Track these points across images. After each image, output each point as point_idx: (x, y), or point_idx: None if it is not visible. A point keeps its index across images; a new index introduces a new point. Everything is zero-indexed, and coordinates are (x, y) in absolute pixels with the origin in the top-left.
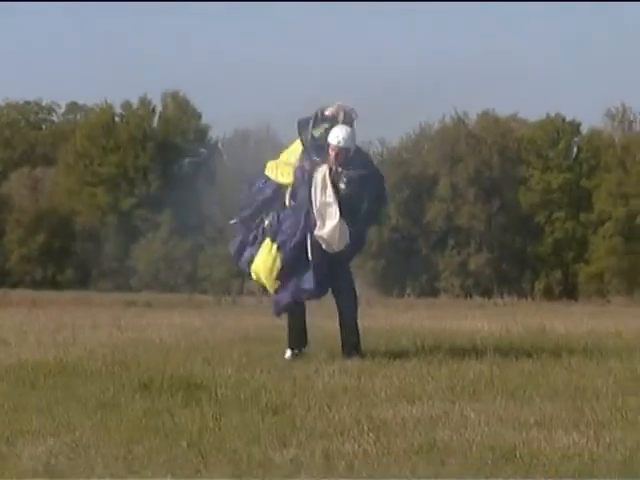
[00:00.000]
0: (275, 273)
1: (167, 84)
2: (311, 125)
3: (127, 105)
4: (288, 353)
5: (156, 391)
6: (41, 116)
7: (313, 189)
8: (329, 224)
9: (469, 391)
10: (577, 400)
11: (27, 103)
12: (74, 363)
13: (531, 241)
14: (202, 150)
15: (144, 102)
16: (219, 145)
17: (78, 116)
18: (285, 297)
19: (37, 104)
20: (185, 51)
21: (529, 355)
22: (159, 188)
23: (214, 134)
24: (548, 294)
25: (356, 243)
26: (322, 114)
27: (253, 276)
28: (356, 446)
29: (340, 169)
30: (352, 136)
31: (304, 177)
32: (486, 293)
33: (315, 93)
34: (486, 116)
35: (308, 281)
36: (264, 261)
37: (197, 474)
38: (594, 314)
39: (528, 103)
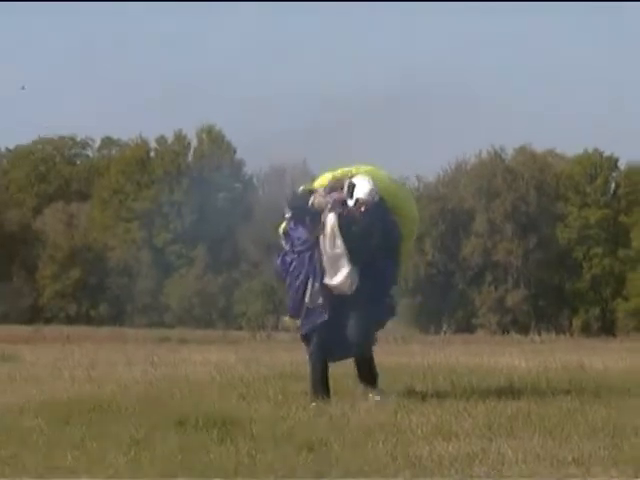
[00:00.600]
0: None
1: (202, 118)
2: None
3: (162, 140)
4: (313, 405)
5: (191, 428)
6: (75, 151)
7: (321, 238)
8: (340, 273)
9: (506, 428)
10: (616, 438)
11: (62, 138)
12: (108, 400)
13: (569, 277)
14: (237, 185)
15: (179, 137)
16: (254, 180)
17: (113, 151)
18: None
19: (72, 139)
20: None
21: (567, 392)
22: (193, 223)
23: (249, 169)
24: (586, 330)
25: (377, 279)
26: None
27: None
28: None
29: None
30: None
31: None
32: (523, 329)
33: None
34: (523, 151)
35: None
36: None
37: None
38: (633, 350)
39: (565, 138)
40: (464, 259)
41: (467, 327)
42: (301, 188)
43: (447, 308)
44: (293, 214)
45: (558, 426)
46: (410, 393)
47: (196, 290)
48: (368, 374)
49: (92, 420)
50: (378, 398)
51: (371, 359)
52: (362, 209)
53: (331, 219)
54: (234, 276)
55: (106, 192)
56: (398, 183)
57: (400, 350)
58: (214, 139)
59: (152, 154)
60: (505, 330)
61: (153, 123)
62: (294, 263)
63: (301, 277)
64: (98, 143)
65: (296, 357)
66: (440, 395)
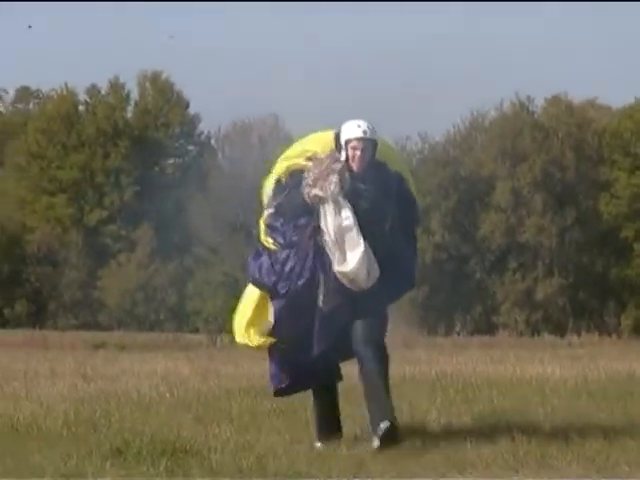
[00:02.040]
0: (262, 327)
1: (145, 64)
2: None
3: (94, 90)
4: (318, 446)
5: (132, 458)
6: None
7: (322, 212)
8: (353, 255)
9: (536, 456)
10: None
11: None
12: (27, 422)
13: (616, 263)
14: (190, 148)
15: (115, 87)
16: (212, 142)
17: (31, 105)
18: (284, 371)
19: None
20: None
21: (613, 410)
22: (135, 197)
23: (206, 128)
24: (639, 330)
25: (398, 279)
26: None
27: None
28: None
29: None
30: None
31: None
32: (558, 330)
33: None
34: (557, 101)
35: (318, 341)
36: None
37: None
38: None
39: (611, 85)
40: (482, 240)
41: (487, 327)
42: (275, 178)
43: (461, 303)
44: (278, 210)
45: (602, 453)
46: (414, 411)
47: (139, 283)
48: (379, 399)
49: (7, 449)
50: (387, 426)
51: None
52: (357, 154)
53: (332, 183)
54: (187, 264)
55: (22, 157)
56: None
57: (402, 357)
58: (160, 90)
59: (81, 108)
60: (535, 330)
61: (83, 69)
62: (290, 261)
63: (305, 275)
64: (12, 95)
65: (267, 367)
66: (452, 414)
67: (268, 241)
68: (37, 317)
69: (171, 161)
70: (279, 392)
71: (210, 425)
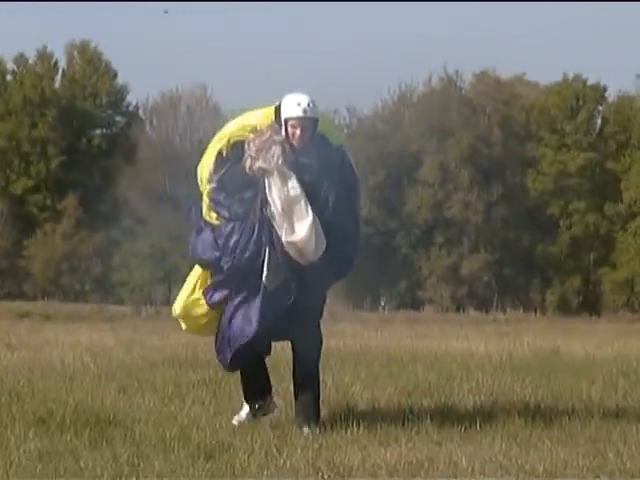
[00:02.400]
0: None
1: (73, 33)
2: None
3: (21, 59)
4: (244, 411)
5: (56, 428)
6: None
7: (267, 184)
8: (301, 225)
9: (460, 431)
10: (598, 443)
11: None
12: None
13: (542, 239)
14: (118, 118)
15: (43, 56)
16: (140, 112)
17: None
18: (228, 344)
19: None
20: None
21: (537, 386)
22: (62, 166)
23: (134, 98)
24: (563, 307)
25: (339, 256)
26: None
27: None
28: None
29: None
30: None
31: (251, 166)
32: (483, 305)
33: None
34: (485, 77)
35: (255, 316)
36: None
37: None
38: (621, 333)
39: (539, 62)
40: (409, 215)
41: (412, 302)
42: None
43: (386, 277)
44: (220, 184)
45: (525, 428)
46: (338, 385)
47: (64, 253)
48: (311, 396)
49: None
50: (307, 431)
51: (317, 371)
52: (297, 133)
53: (275, 155)
54: (113, 236)
55: None
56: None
57: (327, 330)
58: (89, 59)
59: (8, 77)
60: (460, 306)
61: (9, 37)
62: (235, 234)
63: (250, 248)
64: None
65: (193, 339)
66: (376, 388)
67: (212, 216)
68: None
69: (99, 131)
70: (230, 367)
71: (134, 396)
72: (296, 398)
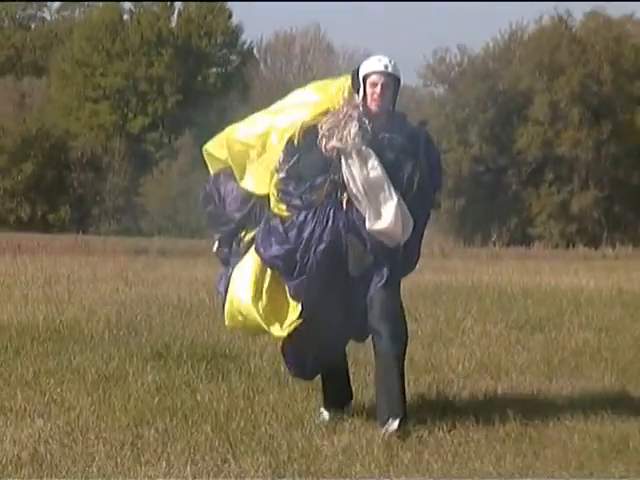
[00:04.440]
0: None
1: None
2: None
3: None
4: (324, 415)
5: (173, 362)
6: (29, 12)
7: (344, 165)
8: (386, 209)
9: (570, 365)
10: None
11: None
12: (70, 325)
13: None
14: (233, 58)
15: None
16: (255, 52)
17: (76, 13)
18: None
19: None
20: None
21: None
22: (178, 105)
23: (248, 37)
24: None
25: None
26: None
27: (230, 320)
28: (425, 433)
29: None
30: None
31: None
32: (593, 242)
33: None
34: (595, 16)
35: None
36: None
37: (224, 465)
38: None
39: None
40: (519, 153)
41: (522, 238)
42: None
43: (497, 214)
44: (290, 174)
45: (635, 363)
46: (450, 320)
47: (181, 190)
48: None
49: (49, 351)
50: (395, 427)
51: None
52: (377, 91)
53: (352, 132)
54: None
55: (67, 65)
56: None
57: (438, 266)
58: None
59: (126, 17)
60: (570, 242)
61: None
62: (309, 225)
63: (326, 239)
64: (57, 3)
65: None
66: (487, 322)
67: (281, 208)
68: (80, 223)
69: (214, 70)
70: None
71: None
72: (378, 392)
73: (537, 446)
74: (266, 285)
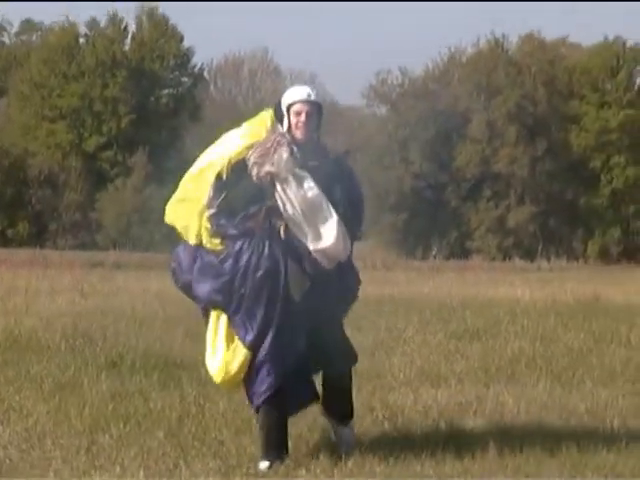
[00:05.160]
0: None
1: None
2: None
3: (93, 24)
4: (263, 465)
5: (127, 370)
6: None
7: (279, 189)
8: (327, 229)
9: (507, 372)
10: (637, 384)
11: None
12: (27, 335)
13: (584, 192)
14: (184, 79)
15: (114, 20)
16: (205, 74)
17: (34, 37)
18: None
19: None
20: None
21: (579, 330)
22: (132, 124)
23: (199, 60)
24: (604, 256)
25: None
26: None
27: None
28: (368, 438)
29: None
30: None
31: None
32: (529, 255)
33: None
34: (530, 39)
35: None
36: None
37: (176, 470)
38: None
39: (581, 25)
40: (458, 170)
41: (461, 251)
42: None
43: (438, 228)
44: (221, 208)
45: (568, 370)
46: (392, 330)
47: (134, 206)
48: (343, 400)
49: (7, 360)
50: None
51: (350, 377)
52: (301, 119)
53: (283, 155)
54: None
55: (26, 86)
56: None
57: (380, 278)
58: (156, 24)
59: (82, 40)
60: (507, 255)
61: (83, 4)
62: (245, 253)
63: (263, 265)
64: (16, 27)
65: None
66: (427, 332)
67: (215, 242)
68: (38, 237)
69: (166, 91)
70: (268, 402)
71: (201, 340)
72: (325, 401)
73: (475, 449)
74: (222, 335)
